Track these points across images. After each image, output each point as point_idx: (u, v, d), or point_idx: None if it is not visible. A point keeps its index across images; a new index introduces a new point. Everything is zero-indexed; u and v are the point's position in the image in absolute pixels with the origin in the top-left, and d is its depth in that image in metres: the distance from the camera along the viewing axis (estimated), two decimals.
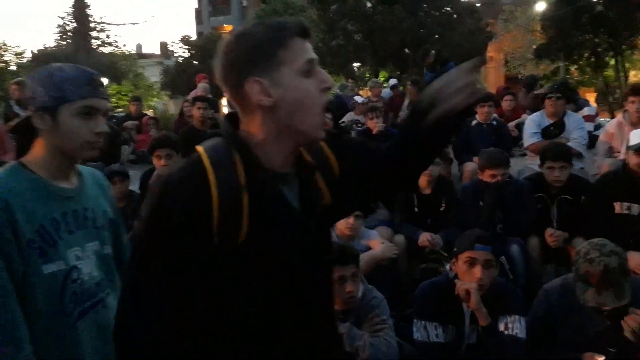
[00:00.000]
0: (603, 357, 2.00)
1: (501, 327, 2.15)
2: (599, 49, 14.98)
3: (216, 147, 1.03)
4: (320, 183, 1.10)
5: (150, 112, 8.54)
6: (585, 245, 2.07)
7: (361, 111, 6.36)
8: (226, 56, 1.02)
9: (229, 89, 1.03)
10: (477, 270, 2.17)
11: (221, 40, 1.05)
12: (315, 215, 1.08)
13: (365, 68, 18.29)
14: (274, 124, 1.01)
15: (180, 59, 24.59)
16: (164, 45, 35.13)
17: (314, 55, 1.02)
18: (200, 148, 1.03)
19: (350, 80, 11.37)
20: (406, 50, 17.15)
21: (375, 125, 4.93)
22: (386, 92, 8.38)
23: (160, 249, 0.97)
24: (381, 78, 15.32)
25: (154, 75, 26.10)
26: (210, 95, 7.11)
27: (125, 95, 22.27)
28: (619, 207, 2.98)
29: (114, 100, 20.88)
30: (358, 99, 7.41)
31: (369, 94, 8.01)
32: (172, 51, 28.60)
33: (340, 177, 1.13)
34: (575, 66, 15.66)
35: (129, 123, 7.14)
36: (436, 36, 17.48)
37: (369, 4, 18.28)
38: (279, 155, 1.04)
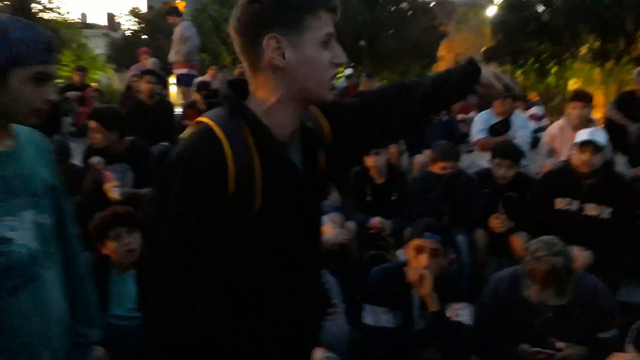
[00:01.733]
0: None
1: (449, 313, 2.20)
2: (543, 56, 15.69)
3: (223, 117, 1.02)
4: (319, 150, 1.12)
5: (94, 85, 8.14)
6: (535, 242, 2.14)
7: None
8: (250, 6, 0.99)
9: (245, 40, 1.02)
10: (424, 258, 2.22)
11: None
12: (318, 180, 1.10)
13: None
14: (284, 86, 1.01)
15: (128, 32, 23.59)
16: (111, 17, 33.56)
17: (333, 30, 1.03)
18: (206, 119, 1.02)
19: None
20: (361, 42, 17.27)
21: None
22: (341, 81, 8.42)
23: (188, 225, 0.97)
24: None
25: (98, 47, 24.85)
26: (160, 71, 6.86)
27: (67, 65, 21.09)
28: (559, 203, 3.13)
29: None
30: None
31: None
32: (119, 23, 27.36)
33: (333, 142, 1.14)
34: (521, 70, 16.33)
35: (71, 93, 6.78)
36: (391, 31, 17.71)
37: None
38: (286, 120, 1.04)
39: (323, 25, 1.01)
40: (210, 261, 1.00)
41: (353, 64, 16.47)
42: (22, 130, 1.29)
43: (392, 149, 4.99)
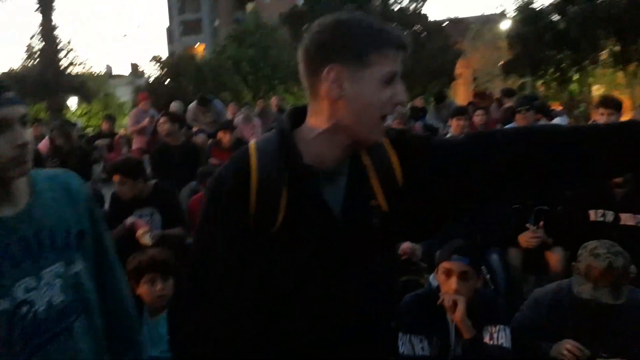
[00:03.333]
0: None
1: (486, 337, 2.13)
2: (563, 65, 15.51)
3: (266, 138, 1.07)
4: (376, 186, 1.04)
5: (122, 131, 8.41)
6: (593, 242, 2.09)
7: None
8: (318, 35, 1.01)
9: (307, 67, 1.02)
10: (453, 282, 2.16)
11: (316, 22, 1.04)
12: (362, 218, 1.03)
13: None
14: (336, 117, 1.00)
15: (151, 78, 24.39)
16: (134, 66, 34.83)
17: (399, 69, 1.00)
18: (252, 141, 1.08)
19: None
20: None
21: None
22: None
23: (216, 237, 1.02)
24: None
25: (124, 95, 25.78)
26: (181, 114, 7.01)
27: (97, 114, 21.87)
28: (593, 215, 3.03)
29: (83, 120, 20.54)
30: None
31: None
32: (143, 70, 28.32)
33: (405, 183, 1.05)
34: (541, 81, 16.15)
35: (100, 141, 7.01)
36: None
37: None
38: (332, 151, 1.03)
39: (388, 63, 0.98)
40: (238, 279, 1.03)
41: None
42: (42, 176, 1.23)
43: None
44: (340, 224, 1.02)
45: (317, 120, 1.03)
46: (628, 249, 2.77)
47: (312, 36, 1.02)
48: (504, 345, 2.12)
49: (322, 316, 1.03)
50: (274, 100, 9.36)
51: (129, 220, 3.15)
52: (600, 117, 4.03)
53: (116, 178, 3.29)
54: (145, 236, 2.95)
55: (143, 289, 2.24)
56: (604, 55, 14.75)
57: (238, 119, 7.37)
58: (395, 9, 19.08)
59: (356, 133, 1.01)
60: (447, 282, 2.18)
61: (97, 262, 1.29)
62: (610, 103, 4.11)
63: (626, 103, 13.22)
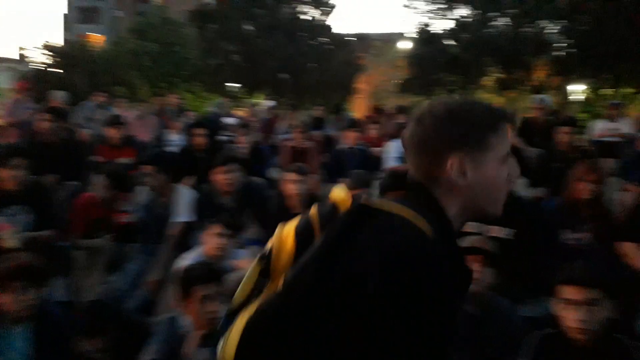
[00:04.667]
0: None
1: None
2: (451, 87, 16.76)
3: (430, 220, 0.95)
4: None
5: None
6: None
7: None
8: (435, 126, 0.99)
9: (427, 157, 1.00)
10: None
11: (423, 107, 1.04)
12: None
13: (243, 89, 18.34)
14: (460, 202, 1.00)
15: (36, 65, 22.39)
16: (22, 50, 31.81)
17: (510, 145, 1.03)
18: (419, 222, 0.93)
19: (226, 99, 11.32)
20: (284, 75, 17.55)
21: (244, 141, 5.13)
22: (264, 113, 8.49)
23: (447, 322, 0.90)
24: (258, 100, 15.43)
25: (4, 81, 23.42)
26: (65, 106, 6.50)
27: None
28: (468, 227, 3.28)
29: None
30: (229, 119, 7.41)
31: (246, 113, 8.08)
32: (25, 55, 25.91)
33: None
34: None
35: None
36: (313, 64, 18.15)
37: (250, 28, 18.46)
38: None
39: (504, 141, 1.01)
40: None
41: (276, 95, 16.69)
42: None
43: (312, 178, 5.07)
44: None
45: (446, 205, 1.00)
46: (492, 258, 3.05)
47: (430, 127, 1.00)
48: None
49: None
50: (172, 98, 9.02)
51: None
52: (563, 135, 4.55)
53: (10, 163, 3.00)
54: (8, 238, 2.68)
55: (7, 297, 2.05)
56: (488, 81, 16.17)
57: (132, 116, 7.01)
58: (302, 19, 19.38)
59: (480, 213, 1.03)
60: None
61: None
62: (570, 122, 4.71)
63: None
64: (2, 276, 2.06)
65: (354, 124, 5.39)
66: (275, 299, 0.95)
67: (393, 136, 6.20)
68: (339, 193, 1.03)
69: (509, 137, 1.04)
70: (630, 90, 13.51)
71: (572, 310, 1.76)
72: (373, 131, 6.54)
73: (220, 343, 0.96)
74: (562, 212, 3.35)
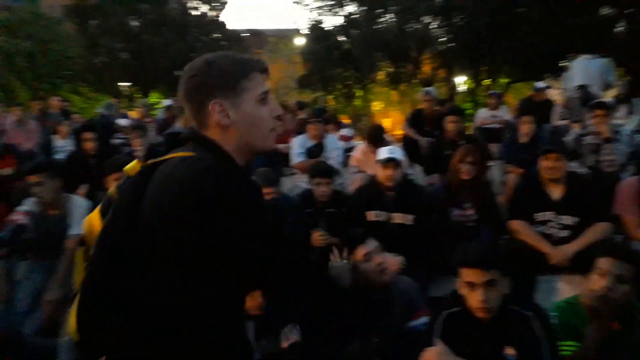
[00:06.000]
0: None
1: (284, 337, 2.22)
2: (348, 82, 17.26)
3: (204, 159, 1.14)
4: None
5: None
6: None
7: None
8: (194, 78, 1.19)
9: (193, 106, 1.20)
10: (259, 296, 2.23)
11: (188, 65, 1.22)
12: None
13: (135, 88, 17.40)
14: (232, 141, 1.20)
15: None
16: None
17: (268, 88, 1.23)
18: (200, 155, 1.14)
19: (115, 99, 10.66)
20: (177, 72, 16.92)
21: (140, 144, 4.84)
22: (160, 113, 8.13)
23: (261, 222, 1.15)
24: (154, 99, 14.75)
25: None
26: None
27: None
28: (371, 215, 3.42)
29: None
30: (122, 121, 7.00)
31: (140, 115, 7.65)
32: None
33: None
34: (331, 96, 17.70)
35: None
36: None
37: (135, 23, 17.53)
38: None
39: (257, 86, 1.21)
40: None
41: (169, 94, 16.05)
42: None
43: None
44: None
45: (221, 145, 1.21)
46: (399, 245, 3.21)
47: (187, 81, 1.20)
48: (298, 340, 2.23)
49: None
50: (55, 101, 8.32)
51: None
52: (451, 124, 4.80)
53: None
54: None
55: None
56: (380, 75, 16.87)
57: (10, 122, 6.37)
58: (192, 14, 18.80)
59: (253, 148, 1.23)
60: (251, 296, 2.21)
61: None
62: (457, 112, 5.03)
63: (398, 118, 15.34)
64: None
65: None
66: (91, 264, 1.13)
67: (296, 132, 6.27)
68: (131, 165, 1.21)
69: (263, 82, 1.23)
70: (506, 80, 14.86)
71: (473, 291, 1.90)
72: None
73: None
74: (446, 192, 3.60)
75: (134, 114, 8.25)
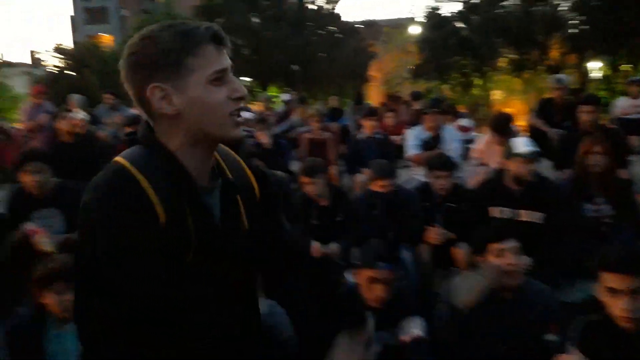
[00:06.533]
0: None
1: (402, 334, 2.20)
2: (466, 70, 16.55)
3: (139, 155, 0.98)
4: (240, 204, 1.09)
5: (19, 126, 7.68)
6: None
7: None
8: (129, 58, 0.96)
9: (132, 92, 0.99)
10: (379, 289, 2.24)
11: (129, 41, 0.99)
12: (239, 236, 1.06)
13: (255, 82, 18.33)
14: (182, 132, 0.98)
15: (50, 68, 22.62)
16: (34, 54, 32.11)
17: (225, 64, 0.98)
18: (120, 159, 0.97)
19: None
20: (294, 66, 17.49)
21: (264, 136, 5.06)
22: (281, 107, 8.49)
23: (125, 269, 0.93)
24: (272, 93, 15.40)
25: (21, 86, 23.67)
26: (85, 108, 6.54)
27: None
28: (494, 212, 3.24)
29: None
30: (246, 114, 7.40)
31: (261, 108, 8.05)
32: (40, 59, 26.20)
33: (260, 202, 1.13)
34: (447, 85, 17.12)
35: None
36: (322, 54, 18.05)
37: (256, 20, 18.39)
38: (196, 166, 1.00)
39: (209, 63, 0.96)
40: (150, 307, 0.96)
41: (287, 87, 16.64)
42: None
43: (332, 170, 5.06)
44: (227, 240, 1.04)
45: (164, 137, 0.99)
46: (526, 245, 3.01)
47: (126, 60, 0.97)
48: (422, 335, 2.20)
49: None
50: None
51: (26, 227, 2.89)
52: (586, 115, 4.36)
53: (28, 168, 3.01)
54: (44, 242, 2.72)
55: (50, 299, 2.08)
56: (502, 62, 15.94)
57: None
58: (309, 8, 19.25)
59: (210, 138, 0.99)
60: (371, 287, 2.22)
61: None
62: (593, 101, 4.47)
63: (522, 108, 14.39)
64: (45, 278, 2.09)
65: (372, 113, 5.34)
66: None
67: (410, 123, 6.15)
68: None
69: (218, 57, 0.98)
70: None
71: (617, 299, 1.72)
72: (390, 119, 6.49)
73: None
74: (574, 186, 3.28)
75: (255, 107, 8.68)
